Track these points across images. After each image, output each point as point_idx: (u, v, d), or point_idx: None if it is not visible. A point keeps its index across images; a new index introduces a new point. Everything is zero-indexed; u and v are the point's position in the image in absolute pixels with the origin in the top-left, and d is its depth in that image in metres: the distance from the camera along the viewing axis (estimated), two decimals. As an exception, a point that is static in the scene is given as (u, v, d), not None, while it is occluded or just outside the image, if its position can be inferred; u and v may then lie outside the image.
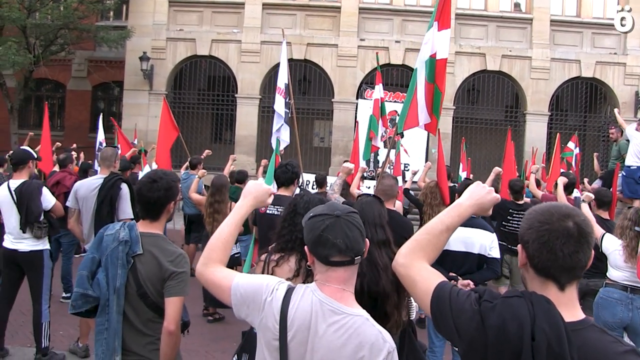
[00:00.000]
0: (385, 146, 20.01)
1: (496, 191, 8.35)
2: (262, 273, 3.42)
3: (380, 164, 19.12)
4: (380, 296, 3.68)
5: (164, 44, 22.26)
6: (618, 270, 5.90)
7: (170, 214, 3.76)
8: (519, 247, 2.05)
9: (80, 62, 25.98)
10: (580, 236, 1.93)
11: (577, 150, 14.52)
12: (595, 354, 1.85)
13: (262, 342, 2.41)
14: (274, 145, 9.49)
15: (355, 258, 2.30)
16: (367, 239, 2.39)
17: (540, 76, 21.92)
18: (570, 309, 1.95)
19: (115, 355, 3.48)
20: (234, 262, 7.67)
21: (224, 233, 2.69)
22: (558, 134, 13.65)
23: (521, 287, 6.92)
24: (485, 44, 22.10)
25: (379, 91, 10.47)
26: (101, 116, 14.43)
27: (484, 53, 22.00)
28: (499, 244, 8.45)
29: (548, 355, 1.79)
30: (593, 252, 2.00)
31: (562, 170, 13.72)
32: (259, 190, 2.83)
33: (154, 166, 12.09)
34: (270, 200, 2.90)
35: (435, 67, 6.23)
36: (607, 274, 6.04)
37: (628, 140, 10.91)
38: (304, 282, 3.32)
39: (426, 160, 22.04)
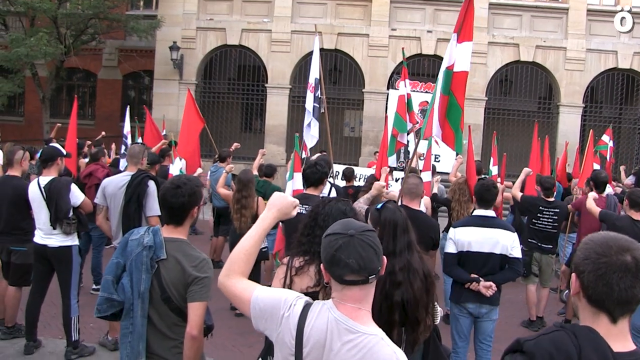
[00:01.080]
0: (415, 137, 19.91)
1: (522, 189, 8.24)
2: (284, 277, 3.34)
3: (410, 156, 18.98)
4: (412, 301, 3.62)
5: (194, 34, 22.32)
6: None
7: (195, 219, 3.75)
8: (573, 275, 2.00)
9: (111, 52, 26.15)
10: (637, 271, 1.88)
11: (611, 144, 14.20)
12: None
13: (279, 356, 2.44)
14: (307, 142, 9.42)
15: (370, 277, 2.28)
16: (384, 257, 2.35)
17: (575, 67, 21.52)
18: (621, 340, 1.92)
19: (139, 358, 3.51)
20: (262, 257, 7.64)
21: (247, 246, 2.70)
22: (591, 130, 13.36)
23: (550, 285, 6.84)
24: (519, 34, 21.76)
25: (404, 87, 10.28)
26: (128, 108, 14.39)
27: (517, 43, 21.67)
28: (529, 241, 8.39)
29: None
30: None
31: (595, 165, 13.50)
32: (283, 203, 2.83)
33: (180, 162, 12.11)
34: (295, 212, 2.88)
35: (452, 79, 6.06)
36: None
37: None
38: (323, 293, 3.27)
39: (457, 152, 21.83)
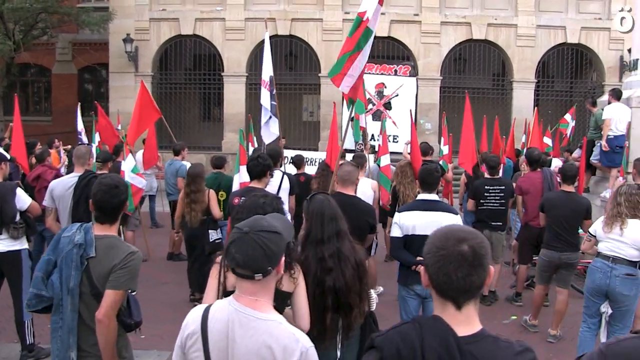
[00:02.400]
0: (373, 119, 20.13)
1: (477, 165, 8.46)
2: (218, 274, 3.45)
3: (370, 138, 19.16)
4: (344, 288, 3.80)
5: (148, 25, 22.12)
6: (601, 242, 6.08)
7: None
8: (422, 268, 2.12)
9: (64, 46, 25.81)
10: (474, 259, 2.01)
11: (573, 123, 14.53)
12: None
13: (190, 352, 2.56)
14: (265, 139, 9.49)
15: (255, 275, 2.41)
16: (282, 258, 2.49)
17: (526, 43, 21.89)
18: (467, 325, 2.04)
19: (70, 352, 3.61)
20: (216, 248, 7.71)
21: None
22: (536, 107, 13.66)
23: (502, 260, 7.03)
24: (470, 13, 22.02)
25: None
26: (79, 105, 14.18)
27: (469, 22, 21.93)
28: (479, 221, 8.63)
29: None
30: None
31: (547, 140, 13.85)
32: None
33: (139, 154, 12.10)
34: None
35: (360, 25, 6.94)
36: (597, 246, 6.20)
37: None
38: None
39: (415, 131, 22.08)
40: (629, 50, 13.47)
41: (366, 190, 8.12)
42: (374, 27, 6.89)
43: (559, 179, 9.65)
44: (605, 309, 6.05)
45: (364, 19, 6.86)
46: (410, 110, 12.74)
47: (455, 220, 5.80)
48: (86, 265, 3.57)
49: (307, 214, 4.05)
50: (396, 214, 6.05)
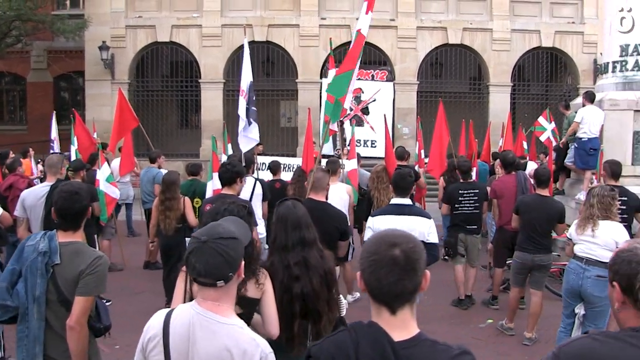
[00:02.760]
0: (350, 124, 20.16)
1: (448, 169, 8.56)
2: (184, 283, 3.45)
3: (347, 143, 19.18)
4: (312, 295, 3.81)
5: (124, 32, 22.02)
6: (576, 244, 6.15)
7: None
8: (358, 274, 2.12)
9: (39, 54, 25.53)
10: (406, 264, 2.01)
11: (552, 125, 14.63)
12: None
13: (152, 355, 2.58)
14: (241, 147, 9.47)
15: (217, 282, 2.45)
16: (242, 262, 2.53)
17: (502, 47, 22.09)
18: (403, 330, 2.03)
19: None
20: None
21: None
22: (509, 112, 13.78)
23: (478, 264, 7.09)
24: (446, 18, 22.18)
25: (332, 76, 10.44)
26: (54, 113, 14.05)
27: (445, 27, 22.10)
28: (455, 225, 8.69)
29: None
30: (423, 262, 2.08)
31: (524, 144, 13.96)
32: None
33: (115, 162, 12.03)
34: None
35: (357, 38, 7.18)
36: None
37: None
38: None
39: (393, 137, 22.18)
40: (602, 54, 13.65)
41: (342, 195, 8.15)
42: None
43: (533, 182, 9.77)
44: (579, 310, 6.10)
45: (359, 33, 7.23)
46: (385, 115, 12.79)
47: (428, 224, 5.86)
48: (52, 273, 3.56)
49: (274, 219, 4.08)
50: (370, 218, 6.12)
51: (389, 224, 5.67)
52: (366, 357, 1.95)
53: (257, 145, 19.10)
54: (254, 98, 9.68)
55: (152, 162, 11.37)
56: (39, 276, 3.54)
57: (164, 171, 10.20)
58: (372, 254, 2.05)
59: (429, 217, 6.00)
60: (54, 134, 13.52)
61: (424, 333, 2.09)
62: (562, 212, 7.42)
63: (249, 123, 9.42)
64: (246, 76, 9.67)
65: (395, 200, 6.07)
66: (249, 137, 9.55)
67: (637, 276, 2.02)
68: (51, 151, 12.86)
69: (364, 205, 10.42)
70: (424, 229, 5.80)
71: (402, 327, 2.04)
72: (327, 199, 5.98)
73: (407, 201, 6.04)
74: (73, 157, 10.68)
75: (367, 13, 7.31)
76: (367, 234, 5.81)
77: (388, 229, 2.19)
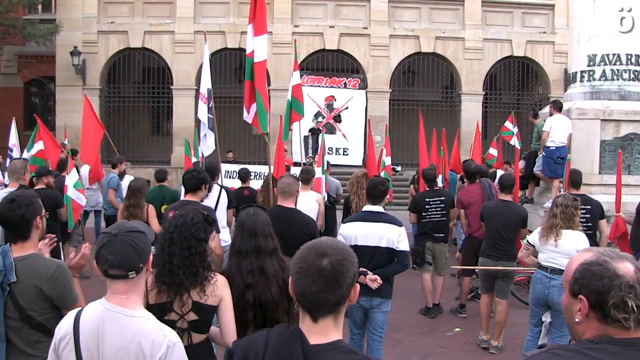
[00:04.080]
0: (321, 132, 20.20)
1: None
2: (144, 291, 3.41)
3: (318, 151, 19.20)
4: (270, 304, 3.78)
5: (96, 38, 21.88)
6: (540, 253, 6.19)
7: (43, 231, 3.71)
8: (290, 279, 2.11)
9: (10, 58, 25.16)
10: (332, 275, 2.00)
11: (515, 130, 14.75)
12: None
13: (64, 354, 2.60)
14: (204, 152, 9.40)
15: (129, 273, 2.52)
16: (149, 256, 2.61)
17: (474, 56, 22.30)
18: (322, 335, 2.04)
19: None
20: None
21: None
22: (477, 120, 13.87)
23: (445, 272, 7.09)
24: (418, 27, 22.34)
25: (297, 77, 10.49)
26: (14, 120, 13.75)
27: (417, 35, 22.25)
28: (422, 233, 8.69)
29: None
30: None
31: (492, 151, 14.06)
32: None
33: (84, 169, 11.87)
34: None
35: (254, 68, 6.97)
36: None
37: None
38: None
39: (365, 145, 22.25)
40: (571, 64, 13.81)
41: (311, 204, 8.12)
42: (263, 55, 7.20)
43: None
44: (546, 318, 6.13)
45: (253, 57, 7.20)
46: (369, 121, 12.91)
47: (398, 231, 5.84)
48: (9, 291, 3.41)
49: (235, 224, 4.08)
50: (342, 225, 6.10)
51: (359, 230, 5.69)
52: (274, 354, 1.98)
53: (227, 152, 19.07)
54: (211, 105, 9.62)
55: (114, 168, 11.42)
56: None
57: (129, 177, 10.15)
58: (300, 262, 2.05)
59: (400, 225, 5.98)
60: (13, 140, 13.18)
61: (345, 342, 2.08)
62: (525, 217, 7.50)
63: (207, 129, 9.41)
64: (205, 82, 9.62)
65: (367, 208, 6.06)
66: (207, 144, 9.53)
67: (610, 292, 1.96)
68: (8, 159, 12.53)
69: (333, 213, 10.43)
70: (394, 236, 5.78)
71: (322, 333, 2.04)
72: (295, 205, 5.95)
73: (378, 208, 6.03)
74: (16, 155, 10.53)
75: (255, 36, 7.14)
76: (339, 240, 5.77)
77: (322, 238, 2.17)
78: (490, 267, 7.46)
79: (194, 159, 9.88)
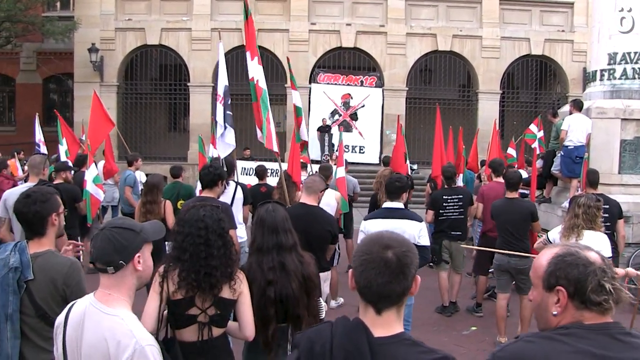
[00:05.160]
0: (339, 130, 20.18)
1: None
2: (159, 285, 3.39)
3: (335, 148, 19.19)
4: (291, 299, 3.78)
5: (113, 35, 21.98)
6: None
7: (60, 228, 3.69)
8: (350, 272, 2.13)
9: (29, 55, 25.43)
10: (397, 267, 2.02)
11: (540, 134, 14.64)
12: None
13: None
14: (220, 152, 9.40)
15: (107, 268, 2.54)
16: (136, 255, 2.59)
17: (491, 55, 22.17)
18: (386, 328, 2.05)
19: None
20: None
21: None
22: (494, 119, 13.78)
23: (463, 271, 7.06)
24: (436, 25, 22.25)
25: (298, 98, 10.77)
26: (37, 115, 13.82)
27: (434, 33, 22.16)
28: (439, 231, 8.65)
29: None
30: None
31: (511, 151, 13.98)
32: None
33: (101, 165, 11.95)
34: None
35: (256, 90, 7.27)
36: None
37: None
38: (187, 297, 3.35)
39: (381, 142, 22.22)
40: (591, 62, 13.69)
41: (330, 201, 8.13)
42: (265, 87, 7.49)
43: (521, 190, 9.76)
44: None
45: (256, 83, 7.43)
46: (399, 116, 12.94)
47: (419, 227, 5.89)
48: (25, 288, 3.40)
49: (254, 221, 4.05)
50: (362, 221, 6.15)
51: (379, 226, 5.69)
52: (341, 347, 1.97)
53: (245, 149, 19.08)
54: (229, 102, 9.64)
55: (130, 165, 11.46)
56: (11, 293, 3.38)
57: (141, 173, 10.18)
58: (364, 254, 2.06)
59: (420, 220, 6.07)
60: (39, 136, 13.31)
61: (408, 334, 2.08)
62: (533, 211, 7.51)
63: (224, 128, 9.39)
64: (222, 80, 9.63)
65: (387, 204, 6.16)
66: (225, 142, 9.52)
67: (587, 278, 2.07)
68: (35, 153, 12.68)
69: (350, 211, 10.42)
70: (415, 231, 5.84)
71: (385, 325, 2.05)
72: (319, 203, 5.96)
73: (398, 205, 6.10)
74: (63, 158, 10.61)
75: (252, 60, 7.45)
76: (360, 237, 5.79)
77: (384, 230, 2.19)
78: (505, 252, 7.44)
79: (209, 156, 9.90)
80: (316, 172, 8.18)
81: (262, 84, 7.44)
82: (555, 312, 2.13)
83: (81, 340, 2.52)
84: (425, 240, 5.93)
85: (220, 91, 9.21)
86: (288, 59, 12.49)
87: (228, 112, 9.13)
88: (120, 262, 2.55)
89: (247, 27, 7.59)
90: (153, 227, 2.82)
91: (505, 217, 7.37)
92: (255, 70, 7.42)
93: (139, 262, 2.60)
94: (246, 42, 7.67)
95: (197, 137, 21.39)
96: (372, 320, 2.05)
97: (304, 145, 10.52)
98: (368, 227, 5.82)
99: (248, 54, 7.54)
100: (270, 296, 3.74)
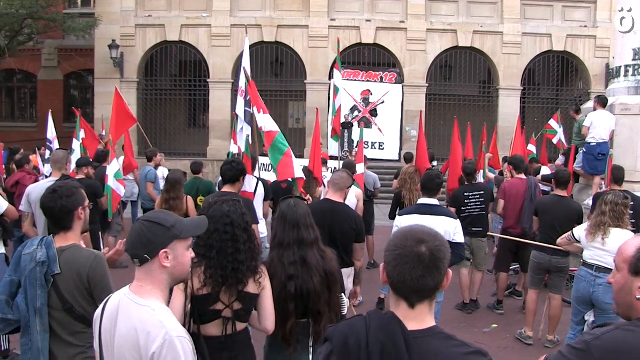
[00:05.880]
0: (359, 126, 20.16)
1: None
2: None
3: (355, 145, 19.16)
4: (313, 295, 3.78)
5: (133, 31, 22.05)
6: (585, 250, 6.08)
7: (85, 222, 3.72)
8: (382, 266, 2.13)
9: (50, 52, 25.61)
10: (430, 262, 2.02)
11: (561, 129, 14.51)
12: (438, 356, 1.99)
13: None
14: (242, 147, 9.40)
15: (134, 260, 2.56)
16: (162, 250, 2.55)
17: (512, 51, 21.98)
18: (419, 321, 2.05)
19: None
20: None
21: None
22: (518, 116, 13.65)
23: (485, 268, 7.04)
24: (456, 21, 22.09)
25: (338, 77, 10.61)
26: (50, 112, 13.83)
27: (455, 29, 22.00)
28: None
29: (384, 358, 1.93)
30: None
31: (531, 147, 13.87)
32: None
33: (121, 160, 12.02)
34: None
35: (265, 137, 7.60)
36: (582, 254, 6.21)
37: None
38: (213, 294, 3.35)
39: (401, 139, 22.15)
40: (614, 58, 13.52)
41: (351, 198, 8.13)
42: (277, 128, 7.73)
43: (542, 187, 9.69)
44: (589, 317, 6.00)
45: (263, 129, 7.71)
46: (421, 112, 12.87)
47: (454, 224, 5.92)
48: (52, 282, 3.45)
49: (276, 216, 4.05)
50: (397, 217, 6.19)
51: (417, 223, 5.66)
52: (376, 340, 1.96)
53: (264, 145, 19.05)
54: (248, 98, 9.63)
55: (149, 161, 11.54)
56: (39, 287, 3.43)
57: (164, 169, 10.23)
58: (397, 248, 2.07)
59: (456, 218, 6.12)
60: (52, 133, 13.25)
61: (440, 327, 2.09)
62: (580, 214, 7.43)
63: (244, 122, 9.40)
64: (245, 76, 9.63)
65: (423, 201, 6.16)
66: (244, 137, 9.53)
67: None
68: (47, 151, 12.69)
69: (371, 207, 10.39)
70: (451, 228, 5.87)
71: (418, 319, 2.06)
72: (345, 200, 5.95)
73: (434, 201, 6.13)
74: (77, 152, 10.66)
75: (259, 112, 7.76)
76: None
77: (417, 225, 2.19)
78: (528, 242, 7.38)
79: (236, 151, 9.90)
80: (342, 168, 8.16)
81: (272, 126, 7.70)
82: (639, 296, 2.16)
83: (114, 331, 2.53)
84: (460, 238, 5.98)
85: (243, 85, 9.22)
86: (338, 39, 12.51)
87: (247, 109, 9.14)
88: (145, 255, 2.54)
89: (250, 89, 8.01)
90: (193, 223, 2.77)
91: (554, 215, 7.32)
92: (263, 119, 7.73)
93: (166, 257, 2.56)
94: (252, 100, 8.04)
95: (217, 133, 21.69)
96: (405, 314, 2.05)
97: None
98: (404, 223, 5.74)
99: (255, 109, 7.88)
100: (291, 291, 3.74)
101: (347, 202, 7.57)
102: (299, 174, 7.69)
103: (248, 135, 8.75)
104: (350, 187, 6.15)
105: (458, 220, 6.09)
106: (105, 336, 2.58)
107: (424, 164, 9.89)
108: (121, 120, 11.32)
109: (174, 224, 2.60)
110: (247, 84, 8.10)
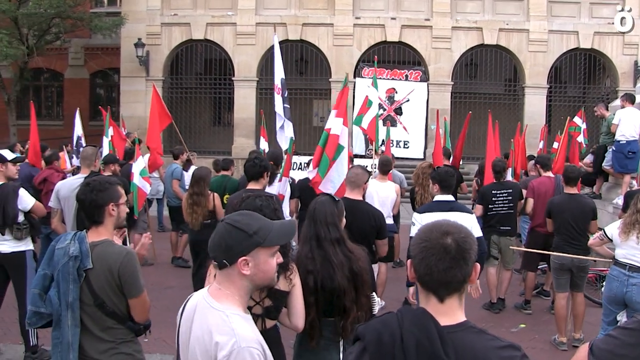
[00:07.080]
0: (384, 125, 20.08)
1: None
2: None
3: (381, 144, 19.08)
4: (337, 292, 3.78)
5: (159, 30, 22.20)
6: (618, 248, 6.00)
7: (119, 218, 3.74)
8: (409, 261, 2.12)
9: (77, 51, 25.90)
10: (457, 253, 2.01)
11: (584, 126, 14.36)
12: (473, 350, 1.97)
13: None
14: (282, 145, 9.42)
15: (214, 263, 2.49)
16: (240, 257, 2.42)
17: (538, 49, 21.75)
18: (450, 316, 2.04)
19: None
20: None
21: None
22: (568, 117, 13.44)
23: (512, 267, 7.00)
24: (482, 18, 21.91)
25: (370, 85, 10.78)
26: (78, 111, 13.92)
27: (480, 27, 21.83)
28: (488, 226, 8.51)
29: (419, 353, 1.90)
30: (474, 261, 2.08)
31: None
32: None
33: (146, 157, 12.10)
34: None
35: (328, 139, 7.42)
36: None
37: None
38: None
39: (426, 137, 22.02)
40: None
41: (390, 193, 8.26)
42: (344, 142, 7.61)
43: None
44: (621, 317, 5.92)
45: (330, 133, 7.50)
46: (437, 111, 12.84)
47: (471, 219, 5.88)
48: (85, 277, 3.48)
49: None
50: (416, 214, 6.20)
51: (434, 219, 5.64)
52: (411, 335, 1.94)
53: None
54: (286, 95, 9.67)
55: (175, 159, 11.61)
56: (72, 282, 3.46)
57: (195, 167, 10.28)
58: (423, 241, 2.06)
59: (471, 212, 6.18)
60: (79, 131, 13.32)
61: (471, 322, 2.08)
62: (595, 209, 7.36)
63: (284, 120, 9.40)
64: (278, 73, 9.66)
65: (440, 197, 6.15)
66: (284, 135, 9.52)
67: None
68: (80, 147, 12.83)
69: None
70: (466, 223, 5.75)
71: (450, 314, 2.05)
72: (364, 197, 5.93)
73: (450, 198, 6.13)
74: (106, 149, 10.77)
75: (336, 117, 7.62)
76: (413, 230, 5.77)
77: (441, 219, 2.18)
78: (553, 253, 7.30)
79: (260, 149, 9.95)
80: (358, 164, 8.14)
81: (343, 140, 7.55)
82: None
83: (190, 333, 2.51)
84: (478, 232, 5.93)
85: (278, 83, 9.28)
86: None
87: (286, 105, 9.20)
88: (224, 261, 2.43)
89: (342, 94, 8.01)
90: (280, 229, 2.58)
91: (567, 214, 7.22)
92: (335, 124, 7.59)
93: (245, 265, 2.42)
94: (337, 102, 8.01)
95: (242, 131, 21.76)
96: (435, 308, 2.03)
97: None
98: (423, 220, 5.71)
99: (334, 111, 7.78)
100: (310, 284, 3.75)
101: (386, 197, 7.75)
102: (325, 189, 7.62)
103: (292, 137, 8.84)
104: (367, 182, 6.11)
105: (474, 214, 6.13)
106: (182, 336, 2.57)
107: (440, 161, 9.82)
108: (159, 118, 11.39)
109: (257, 230, 2.45)
110: (343, 88, 8.23)
